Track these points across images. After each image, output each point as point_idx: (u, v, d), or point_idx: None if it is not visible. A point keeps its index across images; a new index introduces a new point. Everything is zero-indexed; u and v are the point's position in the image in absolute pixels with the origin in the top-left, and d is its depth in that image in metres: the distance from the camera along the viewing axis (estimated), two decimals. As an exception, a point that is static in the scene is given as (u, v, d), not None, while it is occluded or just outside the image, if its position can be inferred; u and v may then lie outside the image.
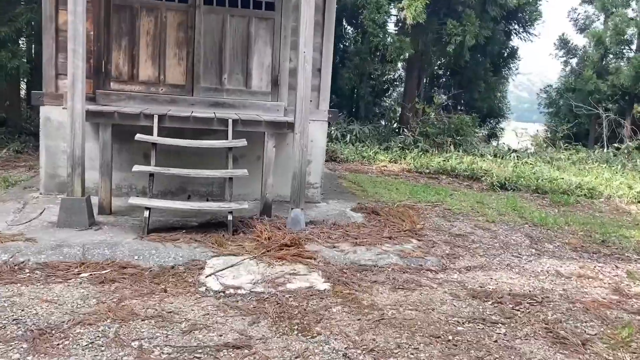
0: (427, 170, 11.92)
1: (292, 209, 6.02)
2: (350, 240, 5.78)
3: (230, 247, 5.26)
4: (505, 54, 19.19)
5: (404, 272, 5.06)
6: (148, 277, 4.53)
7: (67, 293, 4.16)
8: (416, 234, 6.29)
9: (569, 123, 20.38)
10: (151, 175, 5.65)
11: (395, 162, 13.04)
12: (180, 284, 4.45)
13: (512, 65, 19.86)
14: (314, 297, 4.36)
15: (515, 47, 19.23)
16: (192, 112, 6.45)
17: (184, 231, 5.63)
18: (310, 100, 7.15)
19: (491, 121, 22.65)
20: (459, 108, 20.38)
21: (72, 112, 5.50)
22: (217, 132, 6.68)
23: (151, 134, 5.95)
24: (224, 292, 4.34)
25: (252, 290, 4.40)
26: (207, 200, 7.18)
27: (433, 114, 16.01)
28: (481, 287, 4.87)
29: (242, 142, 6.05)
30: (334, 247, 5.50)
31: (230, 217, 5.56)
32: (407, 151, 13.63)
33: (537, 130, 21.79)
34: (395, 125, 16.52)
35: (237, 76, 7.11)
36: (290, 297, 4.32)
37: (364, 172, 11.49)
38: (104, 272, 4.58)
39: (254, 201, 7.24)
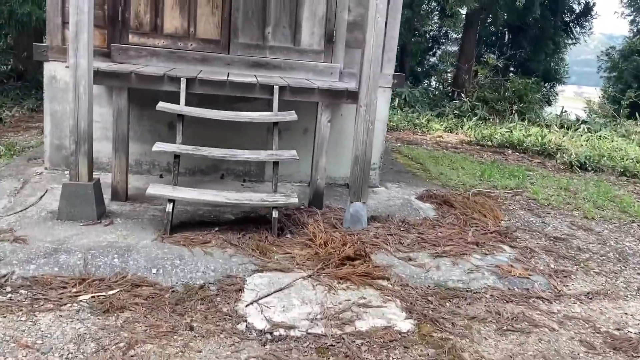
0: (490, 143, 10.46)
1: (351, 201, 4.74)
2: (428, 247, 4.50)
3: (276, 257, 4.03)
4: (578, 11, 17.19)
5: (507, 301, 3.78)
6: (169, 303, 3.34)
7: (57, 330, 3.01)
8: (507, 237, 4.97)
9: (630, 89, 18.43)
10: (176, 156, 4.41)
11: (451, 132, 11.60)
12: (212, 317, 3.26)
13: (585, 23, 17.84)
14: (394, 344, 3.13)
15: (591, 3, 17.15)
16: (228, 74, 5.15)
17: (216, 229, 4.41)
18: (372, 62, 5.80)
19: (545, 85, 20.81)
20: (510, 70, 18.63)
21: (75, 71, 4.26)
22: (256, 100, 5.38)
23: (177, 100, 4.69)
24: (271, 333, 3.13)
25: (310, 331, 3.18)
26: (244, 181, 5.95)
27: (487, 76, 14.41)
28: (618, 329, 3.57)
29: (292, 116, 4.75)
30: (410, 259, 4.23)
31: (275, 214, 4.32)
32: (463, 119, 12.13)
33: (600, 97, 19.87)
34: (448, 88, 14.94)
35: (284, 30, 5.74)
36: (362, 344, 3.10)
37: (418, 144, 10.10)
38: (110, 292, 3.42)
39: (299, 184, 5.99)
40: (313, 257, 4.03)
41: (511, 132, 11.18)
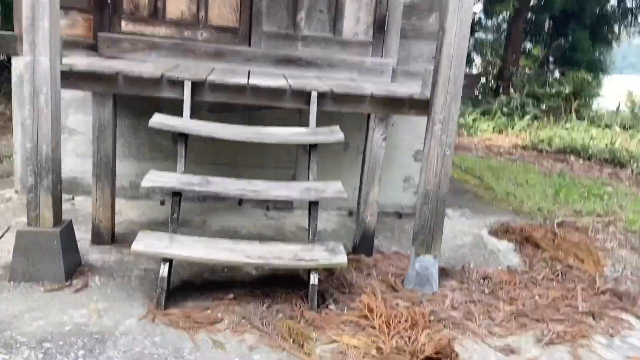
0: (549, 148, 9.05)
1: (417, 254, 3.43)
2: (530, 324, 3.17)
3: (318, 351, 2.74)
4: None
5: None
6: None
7: None
8: (625, 300, 3.62)
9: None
10: (176, 194, 3.13)
11: (500, 133, 10.21)
12: None
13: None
14: None
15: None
16: (249, 75, 3.86)
17: (230, 296, 3.14)
18: (434, 57, 4.48)
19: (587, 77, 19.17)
20: (550, 61, 17.04)
21: (33, 73, 3.00)
22: (285, 108, 4.09)
23: (180, 110, 3.41)
24: None
25: None
26: (268, 209, 4.67)
27: (531, 68, 12.95)
28: None
29: (337, 136, 3.43)
30: (512, 350, 2.91)
31: (314, 280, 3.02)
32: (514, 118, 10.70)
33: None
34: (492, 82, 13.46)
35: (320, 15, 4.42)
36: None
37: (466, 149, 8.73)
38: None
39: (337, 212, 4.71)
40: (374, 352, 2.73)
41: (569, 133, 9.75)
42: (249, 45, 4.34)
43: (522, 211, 5.41)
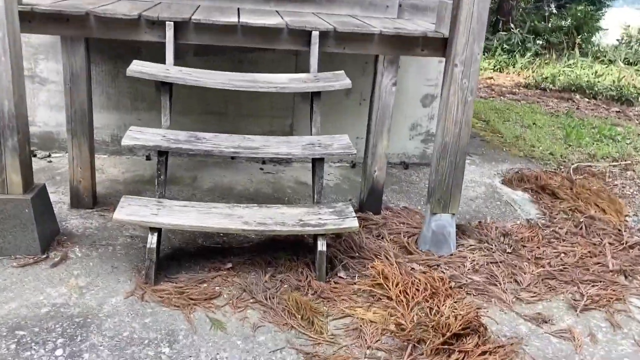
0: (552, 86, 8.63)
1: (433, 212, 3.09)
2: (559, 287, 2.89)
3: (329, 327, 2.44)
4: None
5: None
6: None
7: None
8: (657, 256, 3.34)
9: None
10: (161, 153, 2.73)
11: (501, 72, 9.74)
12: None
13: None
14: None
15: None
16: (239, 12, 3.39)
17: (228, 264, 2.82)
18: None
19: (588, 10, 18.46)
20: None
21: (-14, 16, 2.53)
22: (281, 50, 3.65)
23: (162, 55, 2.97)
24: None
25: None
26: (264, 162, 4.30)
27: (528, 2, 12.36)
28: None
29: (343, 82, 3.02)
30: (543, 319, 2.62)
31: (322, 246, 2.69)
32: (515, 55, 10.21)
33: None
34: (491, 17, 12.82)
35: (317, -58, 3.90)
36: None
37: (468, 89, 8.28)
38: None
39: (339, 164, 4.34)
40: (393, 327, 2.43)
41: (572, 70, 9.32)
42: (238, -22, 3.83)
43: (534, 156, 5.07)
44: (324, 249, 2.69)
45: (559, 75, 8.93)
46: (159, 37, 3.04)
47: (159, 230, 2.60)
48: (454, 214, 3.11)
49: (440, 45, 3.22)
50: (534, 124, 6.35)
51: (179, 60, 3.88)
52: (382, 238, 3.21)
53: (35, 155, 4.05)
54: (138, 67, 2.88)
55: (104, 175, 3.83)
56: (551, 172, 4.62)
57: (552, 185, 4.24)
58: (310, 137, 3.01)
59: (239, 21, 3.01)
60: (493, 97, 7.94)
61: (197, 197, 3.62)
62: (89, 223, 3.16)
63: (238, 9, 3.69)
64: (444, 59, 3.11)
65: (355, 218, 2.75)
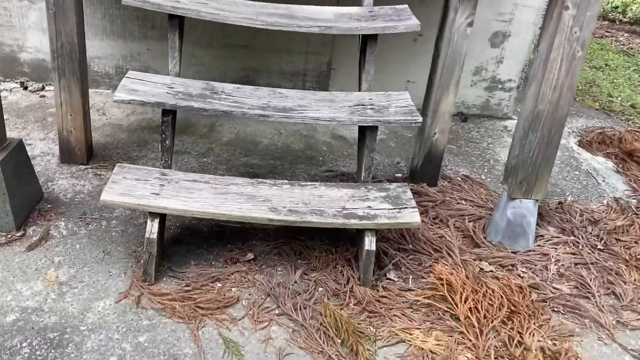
0: (622, 18, 7.59)
1: (511, 196, 2.42)
2: (670, 306, 2.25)
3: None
4: None
5: None
6: None
7: None
8: None
9: None
10: (167, 112, 2.08)
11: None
12: None
13: None
14: None
15: None
16: None
17: (249, 257, 2.23)
18: None
19: None
20: None
21: None
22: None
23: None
24: None
25: None
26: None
27: None
28: None
29: (408, 23, 2.27)
30: (658, 358, 2.01)
31: (369, 244, 2.06)
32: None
33: None
34: None
35: None
36: None
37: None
38: None
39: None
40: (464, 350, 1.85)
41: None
42: None
43: (613, 109, 4.28)
44: (373, 247, 2.07)
45: (632, 4, 7.83)
46: (167, -49, 2.30)
47: (161, 218, 1.99)
48: (537, 200, 2.44)
49: (537, -24, 2.43)
50: (606, 65, 5.48)
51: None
52: (441, 222, 2.58)
53: (26, 88, 3.43)
54: (137, -7, 2.17)
55: (105, 118, 3.20)
56: (636, 131, 3.86)
57: (638, 148, 3.51)
58: (359, 94, 2.32)
59: None
60: (555, 28, 6.97)
61: (215, 152, 2.99)
62: (81, 185, 2.57)
63: None
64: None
65: (417, 210, 2.10)
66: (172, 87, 2.14)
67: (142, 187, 2.02)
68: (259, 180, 2.21)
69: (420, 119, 2.15)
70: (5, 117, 2.98)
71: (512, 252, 2.43)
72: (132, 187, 2.01)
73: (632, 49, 6.36)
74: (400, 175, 2.98)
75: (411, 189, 2.74)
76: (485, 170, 3.16)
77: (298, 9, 2.33)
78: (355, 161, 3.06)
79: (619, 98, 4.53)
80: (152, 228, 1.97)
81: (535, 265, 2.37)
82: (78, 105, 2.61)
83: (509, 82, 3.72)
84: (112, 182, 2.02)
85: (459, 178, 3.01)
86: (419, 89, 3.64)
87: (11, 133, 2.92)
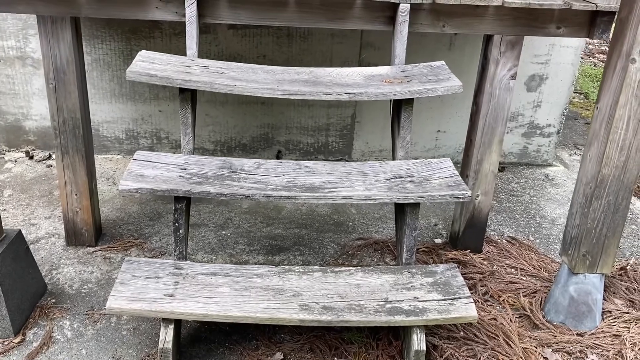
0: None
1: (573, 271, 2.12)
2: None
3: None
4: None
5: None
6: None
7: None
8: None
9: None
10: (180, 199, 1.83)
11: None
12: None
13: None
14: None
15: None
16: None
17: (279, 357, 1.94)
18: None
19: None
20: None
21: None
22: (346, 31, 2.63)
23: (182, 50, 2.03)
24: None
25: None
26: (316, 157, 3.35)
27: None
28: None
29: (449, 85, 2.00)
30: None
31: (418, 343, 1.77)
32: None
33: None
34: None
35: None
36: None
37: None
38: None
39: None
40: None
41: None
42: None
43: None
44: (423, 347, 1.78)
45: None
46: (175, 15, 2.09)
47: (174, 325, 1.73)
48: (603, 275, 2.14)
49: (586, 20, 2.18)
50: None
51: (208, 35, 2.96)
52: (492, 298, 2.28)
53: (32, 157, 3.23)
54: (145, 65, 1.95)
55: (115, 188, 2.98)
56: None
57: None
58: (395, 163, 2.05)
59: (292, -11, 2.02)
60: (581, 57, 6.69)
61: (234, 223, 2.74)
62: (88, 272, 2.32)
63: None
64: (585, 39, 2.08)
65: (472, 301, 1.81)
66: (185, 169, 1.89)
67: (154, 287, 1.76)
68: (286, 268, 1.93)
69: (468, 193, 1.87)
70: (9, 193, 2.80)
71: (577, 335, 2.12)
72: (143, 289, 1.75)
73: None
74: (440, 241, 2.70)
75: (455, 259, 2.47)
76: (532, 229, 2.86)
77: (323, 72, 2.09)
78: (389, 224, 2.79)
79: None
80: (167, 336, 1.71)
81: (608, 350, 2.05)
82: (84, 184, 2.38)
83: (548, 127, 3.44)
84: (119, 284, 1.77)
85: (504, 241, 2.72)
86: (450, 139, 3.40)
87: (15, 211, 2.71)
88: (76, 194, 2.39)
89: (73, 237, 2.46)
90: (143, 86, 3.16)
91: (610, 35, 2.00)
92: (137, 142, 3.28)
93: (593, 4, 2.09)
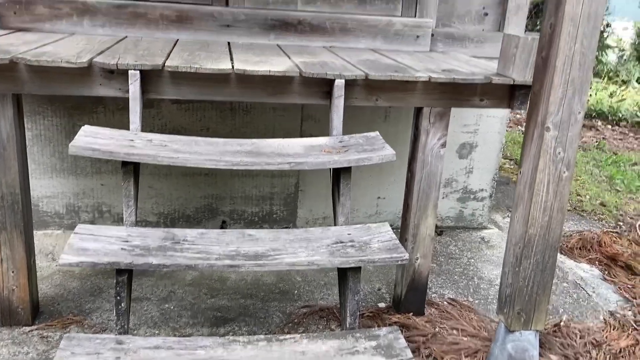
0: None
1: (509, 329, 2.21)
2: None
3: None
4: None
5: None
6: None
7: None
8: None
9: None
10: (122, 271, 1.82)
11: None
12: None
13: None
14: None
15: None
16: (231, 53, 2.52)
17: None
18: (485, 13, 3.29)
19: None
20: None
21: None
22: (287, 104, 2.76)
23: (126, 125, 2.08)
24: None
25: None
26: (260, 226, 3.38)
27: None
28: None
29: (383, 154, 2.13)
30: None
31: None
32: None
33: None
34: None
35: (328, -43, 3.05)
36: None
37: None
38: None
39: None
40: None
41: (590, 94, 8.58)
42: (227, 4, 2.96)
43: (584, 209, 4.23)
44: (369, 413, 1.79)
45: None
46: (119, 91, 2.15)
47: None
48: (538, 331, 2.23)
49: (506, 93, 2.38)
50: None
51: (152, 110, 3.03)
52: (435, 359, 2.33)
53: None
54: (88, 139, 1.98)
55: (54, 264, 2.91)
56: (613, 232, 3.78)
57: (622, 254, 3.40)
58: (336, 229, 2.13)
59: (233, 68, 2.12)
60: (510, 126, 7.14)
61: (177, 295, 2.71)
62: (24, 354, 2.23)
63: (228, 43, 2.83)
64: (509, 109, 2.28)
65: (414, 363, 1.85)
66: (127, 241, 1.90)
67: (94, 365, 1.72)
68: (231, 338, 1.93)
69: (406, 255, 1.95)
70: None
71: (518, 393, 2.18)
72: (80, 370, 1.70)
73: (585, 142, 6.52)
74: (383, 305, 2.75)
75: (398, 322, 2.52)
76: (471, 290, 2.97)
77: (264, 144, 2.18)
78: (334, 290, 2.82)
79: (587, 197, 4.50)
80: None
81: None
82: (21, 261, 2.33)
83: (481, 191, 3.63)
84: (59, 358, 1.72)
85: (445, 302, 2.80)
86: (389, 205, 3.53)
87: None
88: (13, 271, 2.33)
89: (8, 317, 2.37)
90: (85, 160, 3.15)
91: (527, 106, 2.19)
92: (78, 216, 3.24)
93: (510, 79, 2.30)
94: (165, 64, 2.10)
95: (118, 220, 3.26)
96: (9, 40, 2.40)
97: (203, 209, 3.34)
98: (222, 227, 3.39)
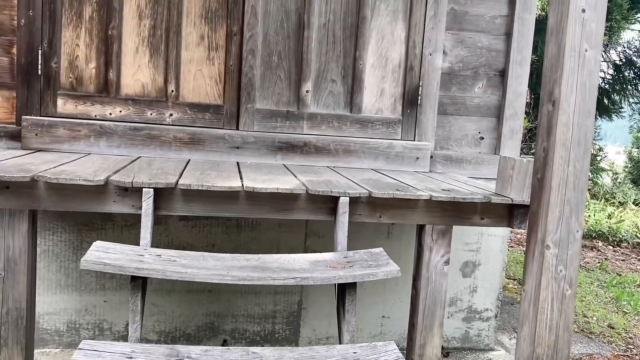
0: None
1: None
2: None
3: None
4: None
5: None
6: None
7: None
8: None
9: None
10: (122, 389, 1.80)
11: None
12: None
13: None
14: None
15: None
16: (240, 169, 2.64)
17: None
18: (481, 137, 3.45)
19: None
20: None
21: None
22: (292, 221, 2.84)
23: (134, 240, 2.14)
24: None
25: None
26: (262, 345, 3.31)
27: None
28: None
29: (387, 269, 2.16)
30: None
31: None
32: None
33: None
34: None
35: (333, 86, 3.28)
36: None
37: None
38: None
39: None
40: None
41: (589, 215, 8.72)
42: (237, 127, 3.14)
43: (593, 332, 4.15)
44: None
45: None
46: (132, 208, 2.23)
47: None
48: None
49: (505, 212, 2.46)
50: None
51: (160, 226, 3.10)
52: None
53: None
54: (100, 254, 2.03)
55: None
56: (624, 356, 3.69)
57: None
58: (342, 347, 2.10)
59: (243, 186, 2.22)
60: (511, 246, 7.18)
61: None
62: None
63: (237, 163, 2.96)
64: (508, 228, 2.34)
65: None
66: (131, 357, 1.88)
67: None
68: None
69: (413, 375, 1.92)
70: None
71: None
72: None
73: (587, 263, 6.53)
74: None
75: None
76: (481, 415, 2.85)
77: (270, 259, 2.22)
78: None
79: (594, 318, 4.44)
80: None
81: None
82: (19, 378, 2.28)
83: (486, 311, 3.60)
84: None
85: None
86: (394, 324, 3.48)
87: None
88: (9, 390, 2.27)
89: None
90: (90, 276, 3.17)
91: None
92: (79, 334, 3.20)
93: (509, 199, 2.38)
94: (179, 183, 2.20)
95: (119, 339, 3.21)
96: (29, 160, 2.52)
97: (204, 327, 3.30)
98: (224, 345, 3.32)
